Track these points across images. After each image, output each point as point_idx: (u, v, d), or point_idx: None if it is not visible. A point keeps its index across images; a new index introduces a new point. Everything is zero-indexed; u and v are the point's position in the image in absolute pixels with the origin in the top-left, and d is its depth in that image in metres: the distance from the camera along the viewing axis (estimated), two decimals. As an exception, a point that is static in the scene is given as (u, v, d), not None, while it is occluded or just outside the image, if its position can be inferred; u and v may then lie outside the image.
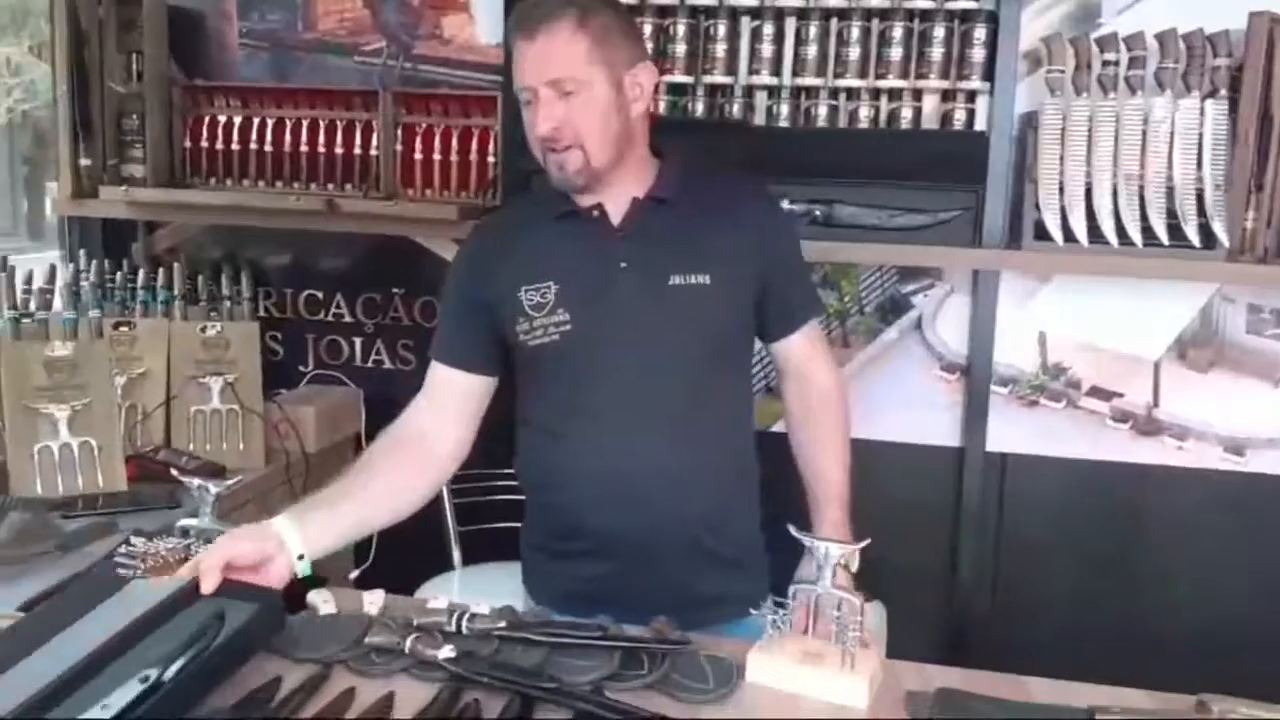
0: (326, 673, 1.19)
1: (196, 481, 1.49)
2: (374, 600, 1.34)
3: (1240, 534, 2.33)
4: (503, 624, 1.24)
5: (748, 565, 1.55)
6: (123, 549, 1.52)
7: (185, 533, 1.49)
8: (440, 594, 1.42)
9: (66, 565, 1.52)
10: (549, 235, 1.49)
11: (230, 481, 1.56)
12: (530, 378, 1.51)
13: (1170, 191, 2.13)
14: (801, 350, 1.57)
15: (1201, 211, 2.12)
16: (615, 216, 1.47)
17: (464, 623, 1.23)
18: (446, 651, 1.18)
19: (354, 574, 2.43)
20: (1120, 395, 2.38)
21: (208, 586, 1.18)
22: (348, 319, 2.72)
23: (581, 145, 1.40)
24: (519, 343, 1.46)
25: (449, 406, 1.51)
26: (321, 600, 1.33)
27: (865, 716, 1.16)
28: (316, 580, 1.36)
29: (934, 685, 1.19)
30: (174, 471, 1.75)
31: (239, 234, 2.70)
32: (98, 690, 0.96)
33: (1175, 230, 2.13)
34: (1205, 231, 2.12)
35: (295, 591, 1.31)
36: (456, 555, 2.46)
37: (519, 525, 1.62)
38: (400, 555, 2.21)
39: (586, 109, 1.38)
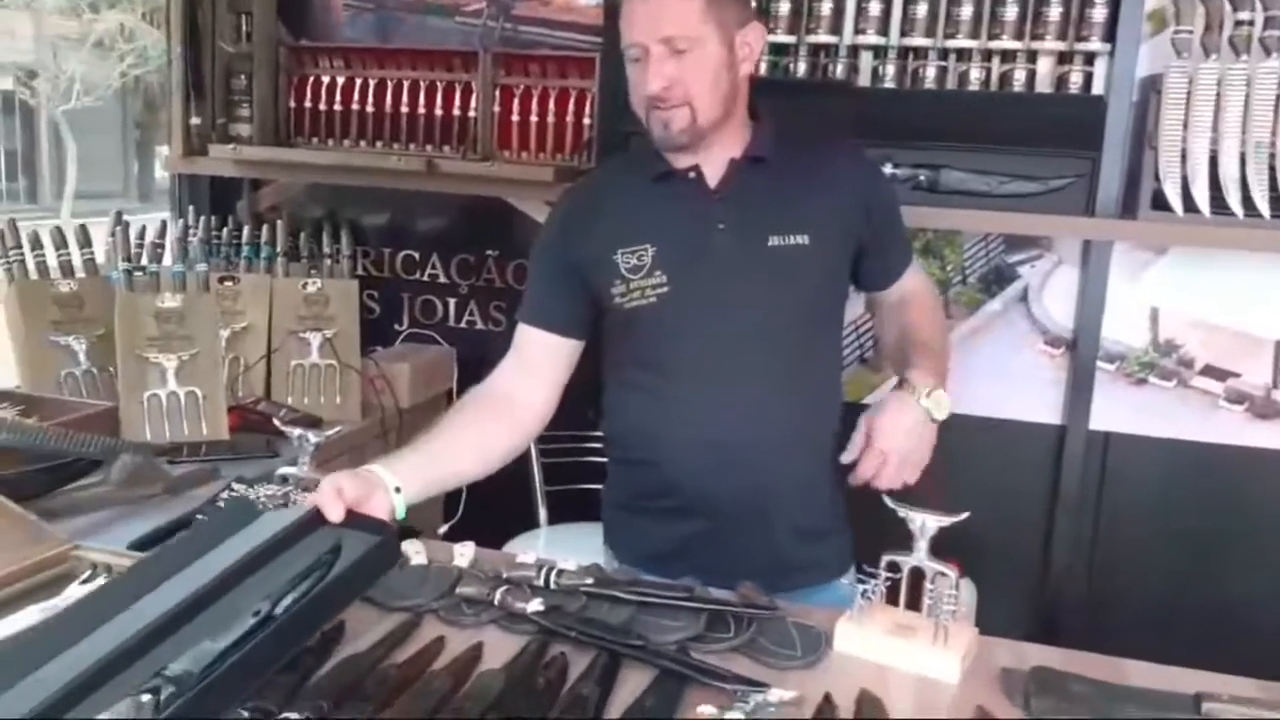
0: (417, 620, 1.21)
1: (297, 431, 1.51)
2: (464, 552, 1.36)
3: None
4: (590, 580, 1.24)
5: (833, 532, 1.53)
6: (225, 494, 1.57)
7: (284, 480, 1.52)
8: (527, 550, 1.43)
9: (173, 508, 1.58)
10: (645, 197, 1.47)
11: (330, 431, 1.58)
12: (623, 338, 1.50)
13: (1304, 160, 2.01)
14: (901, 289, 1.57)
15: (1338, 182, 2.00)
16: (712, 179, 1.45)
17: (552, 578, 1.24)
18: (535, 605, 1.19)
19: (443, 528, 2.48)
20: (1236, 375, 2.27)
21: (335, 516, 1.17)
22: (442, 279, 2.76)
23: (690, 103, 1.37)
24: (614, 305, 1.45)
25: (536, 369, 1.51)
26: (413, 550, 1.35)
27: (956, 692, 1.13)
28: (409, 531, 1.38)
29: (1029, 664, 1.16)
30: (275, 422, 1.79)
31: (339, 193, 2.76)
32: (213, 621, 0.97)
33: (1308, 202, 2.01)
34: (1341, 204, 1.99)
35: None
36: (543, 513, 2.48)
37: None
38: (488, 511, 2.25)
39: (698, 68, 1.36)
